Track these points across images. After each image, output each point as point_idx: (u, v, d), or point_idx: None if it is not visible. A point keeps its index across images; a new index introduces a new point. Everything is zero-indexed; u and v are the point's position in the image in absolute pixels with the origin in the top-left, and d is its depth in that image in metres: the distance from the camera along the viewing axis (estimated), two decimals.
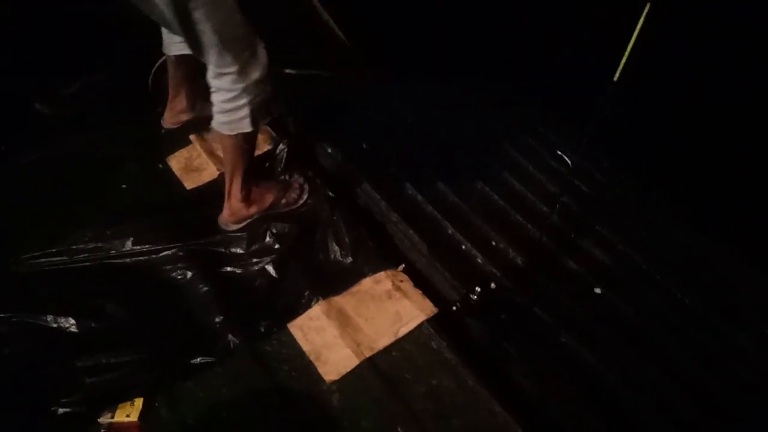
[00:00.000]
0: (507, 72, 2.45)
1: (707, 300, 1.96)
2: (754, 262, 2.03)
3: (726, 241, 2.07)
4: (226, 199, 1.97)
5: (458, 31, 2.58)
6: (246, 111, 1.73)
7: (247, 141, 1.85)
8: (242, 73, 1.67)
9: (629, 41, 1.38)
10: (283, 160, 2.18)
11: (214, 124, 1.80)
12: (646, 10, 1.33)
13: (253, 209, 2.00)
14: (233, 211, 1.98)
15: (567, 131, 2.38)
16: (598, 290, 1.96)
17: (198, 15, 1.52)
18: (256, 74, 1.69)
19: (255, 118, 1.76)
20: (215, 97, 1.74)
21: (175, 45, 2.06)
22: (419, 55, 2.55)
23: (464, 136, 2.43)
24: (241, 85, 1.68)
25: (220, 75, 1.67)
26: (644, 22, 1.35)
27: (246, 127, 1.77)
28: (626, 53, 1.39)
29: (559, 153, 2.29)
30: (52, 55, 2.31)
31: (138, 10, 1.63)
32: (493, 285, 1.76)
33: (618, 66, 1.42)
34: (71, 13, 2.28)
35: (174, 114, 2.31)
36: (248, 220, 2.00)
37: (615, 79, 1.42)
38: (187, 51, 2.03)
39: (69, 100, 2.38)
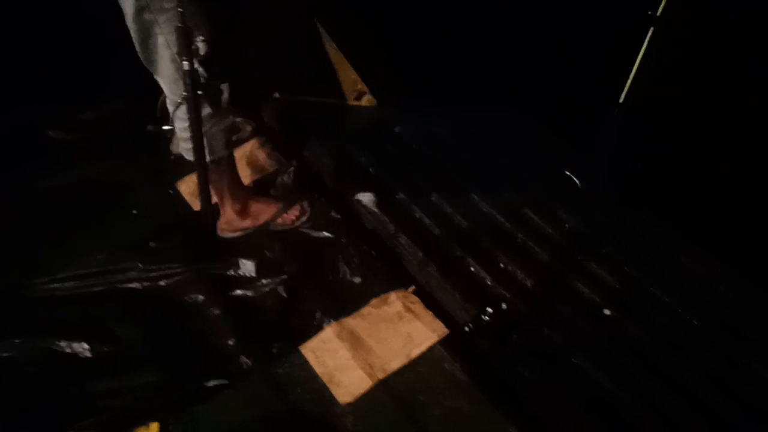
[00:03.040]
0: (510, 96, 2.49)
1: (715, 321, 1.97)
2: (763, 284, 2.04)
3: (733, 262, 2.09)
4: (221, 211, 2.03)
5: (459, 57, 2.62)
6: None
7: (218, 165, 1.89)
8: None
9: (634, 64, 1.42)
10: (290, 183, 2.22)
11: (181, 150, 1.86)
12: (649, 34, 1.36)
13: (247, 222, 2.07)
14: (227, 221, 2.05)
15: (574, 153, 2.41)
16: (607, 312, 1.97)
17: (161, 41, 1.56)
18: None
19: (212, 150, 1.80)
20: (176, 125, 1.77)
21: None
22: (423, 83, 2.60)
23: (468, 160, 2.46)
24: None
25: (176, 104, 1.68)
26: (648, 46, 1.38)
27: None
28: (631, 76, 1.42)
29: (567, 173, 2.31)
30: (67, 83, 2.35)
31: None
32: (504, 306, 1.77)
33: (623, 88, 1.45)
34: (87, 40, 2.32)
35: None
36: (243, 232, 2.07)
37: (621, 101, 1.45)
38: None
39: (82, 128, 2.42)
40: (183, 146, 1.84)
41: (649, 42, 1.40)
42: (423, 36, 2.58)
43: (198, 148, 1.64)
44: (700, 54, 1.92)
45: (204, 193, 1.74)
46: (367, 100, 2.71)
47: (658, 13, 1.37)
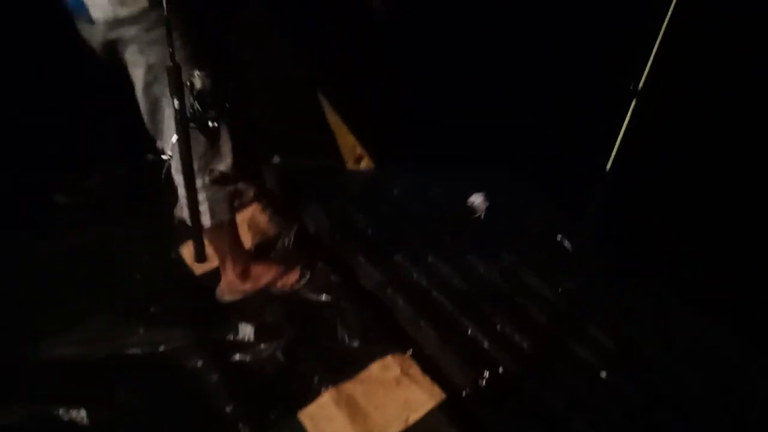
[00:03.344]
0: (504, 158, 2.56)
1: (713, 381, 1.96)
2: (761, 346, 2.04)
3: (728, 321, 2.09)
4: (222, 274, 2.06)
5: (457, 122, 2.71)
6: (204, 207, 1.79)
7: (220, 229, 1.92)
8: (203, 169, 1.73)
9: (619, 133, 1.48)
10: (291, 246, 2.26)
11: (183, 214, 1.87)
12: (632, 105, 1.43)
13: (248, 285, 2.09)
14: (228, 283, 2.07)
15: (568, 215, 2.45)
16: (603, 374, 1.97)
17: (168, 113, 1.59)
18: (217, 171, 1.76)
19: (214, 214, 1.83)
20: (180, 191, 1.78)
21: None
22: (420, 147, 2.67)
23: (464, 222, 2.50)
24: (200, 181, 1.73)
25: (178, 170, 1.67)
26: (632, 116, 1.44)
27: (205, 222, 1.82)
28: (616, 144, 1.48)
29: (558, 239, 2.36)
30: (74, 149, 2.43)
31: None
32: (501, 369, 1.78)
33: (610, 155, 1.50)
34: (94, 108, 2.41)
35: None
36: (243, 294, 2.09)
37: (607, 168, 1.50)
38: None
39: (85, 192, 2.49)
40: (185, 212, 1.86)
41: (632, 113, 1.47)
42: (420, 100, 2.67)
43: (190, 186, 1.54)
44: (680, 123, 2.00)
45: (195, 227, 1.63)
46: (365, 164, 2.78)
47: (640, 87, 1.45)
